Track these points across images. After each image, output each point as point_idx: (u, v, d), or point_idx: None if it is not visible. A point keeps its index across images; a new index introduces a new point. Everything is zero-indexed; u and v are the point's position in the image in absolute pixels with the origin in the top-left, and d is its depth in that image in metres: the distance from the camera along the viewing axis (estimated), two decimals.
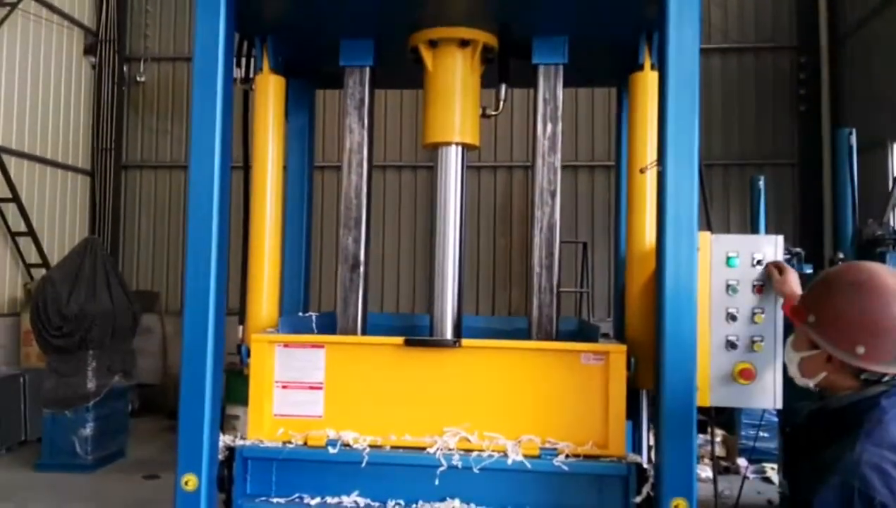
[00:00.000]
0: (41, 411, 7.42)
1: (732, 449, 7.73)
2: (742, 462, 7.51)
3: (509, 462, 2.38)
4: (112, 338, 7.50)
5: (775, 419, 7.21)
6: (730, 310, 2.54)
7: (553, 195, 2.72)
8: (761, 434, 7.29)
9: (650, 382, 2.49)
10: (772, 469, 7.37)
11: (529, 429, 2.46)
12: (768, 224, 7.32)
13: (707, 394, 2.54)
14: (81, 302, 7.25)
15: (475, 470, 2.39)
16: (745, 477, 7.04)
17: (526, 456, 2.39)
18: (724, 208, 10.06)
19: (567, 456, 2.39)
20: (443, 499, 2.44)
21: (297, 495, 2.51)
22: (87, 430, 7.32)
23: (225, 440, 2.49)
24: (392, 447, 2.48)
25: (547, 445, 2.42)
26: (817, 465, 1.70)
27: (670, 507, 2.25)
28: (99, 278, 7.49)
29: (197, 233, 2.39)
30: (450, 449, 2.43)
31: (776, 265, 2.52)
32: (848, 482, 1.61)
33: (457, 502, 2.43)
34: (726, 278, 2.54)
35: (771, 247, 2.56)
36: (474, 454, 2.41)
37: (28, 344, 8.52)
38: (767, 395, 2.56)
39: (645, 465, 2.39)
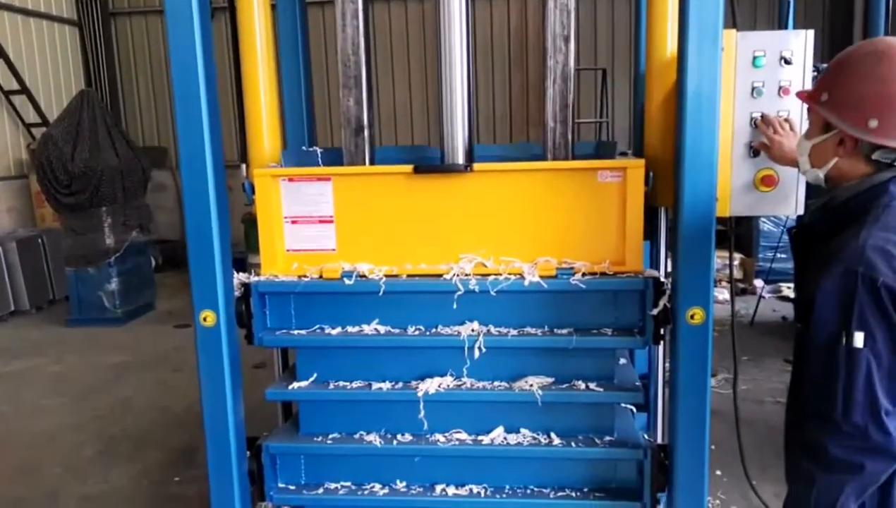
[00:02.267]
0: (64, 270, 7.58)
1: (749, 271, 7.83)
2: (759, 282, 7.63)
3: (526, 283, 2.36)
4: (124, 194, 7.48)
5: None
6: (754, 115, 2.41)
7: (567, 41, 2.47)
8: (779, 255, 7.35)
9: (669, 199, 2.40)
10: (787, 288, 7.49)
11: (545, 252, 2.42)
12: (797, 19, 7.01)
13: (727, 204, 2.47)
14: (86, 158, 7.17)
15: (492, 293, 2.38)
16: (760, 297, 7.20)
17: (542, 277, 2.36)
18: (750, 3, 9.62)
19: (584, 275, 2.36)
20: (461, 323, 2.46)
21: (317, 327, 2.54)
22: (113, 285, 7.50)
23: (240, 277, 2.48)
24: (408, 275, 2.46)
25: (563, 265, 2.39)
26: (823, 260, 1.63)
27: (686, 317, 2.24)
28: (101, 133, 7.37)
29: (181, 76, 2.24)
30: (466, 275, 2.41)
31: (769, 121, 2.37)
32: (851, 268, 1.55)
33: (475, 324, 2.45)
34: (752, 80, 2.38)
35: (800, 42, 2.37)
36: (491, 278, 2.39)
37: (41, 206, 8.56)
38: (789, 202, 2.48)
39: (662, 279, 2.36)
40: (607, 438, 2.50)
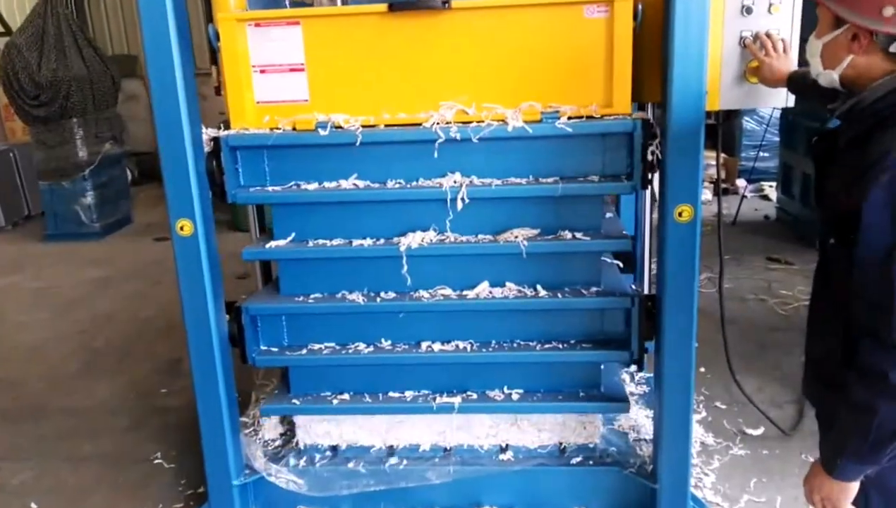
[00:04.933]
0: (38, 184, 7.39)
1: (732, 171, 7.77)
2: (741, 182, 7.59)
3: (509, 129, 2.26)
4: (94, 105, 7.23)
5: (776, 138, 7.16)
6: (745, 3, 2.25)
7: None
8: (761, 154, 7.28)
9: (656, 93, 2.30)
10: (769, 187, 7.47)
11: (530, 96, 2.31)
12: None
13: (717, 98, 2.34)
14: (53, 67, 6.88)
15: (474, 141, 2.28)
16: (743, 196, 7.17)
17: (527, 122, 2.27)
18: None
19: (570, 119, 2.27)
20: (443, 175, 2.37)
21: (292, 183, 2.44)
22: (89, 199, 7.33)
23: (208, 132, 2.36)
24: (386, 126, 2.35)
25: (549, 110, 2.29)
26: (857, 168, 1.47)
27: (675, 214, 2.19)
28: (67, 41, 7.04)
29: None
30: (447, 123, 2.30)
31: (761, 40, 2.22)
32: None
33: (457, 175, 2.36)
34: None
35: None
36: (473, 125, 2.29)
37: (10, 119, 8.27)
38: (779, 93, 2.33)
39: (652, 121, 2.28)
40: (594, 289, 2.46)
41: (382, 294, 2.51)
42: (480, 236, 2.43)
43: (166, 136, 2.26)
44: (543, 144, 2.32)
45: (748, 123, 7.82)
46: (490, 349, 2.50)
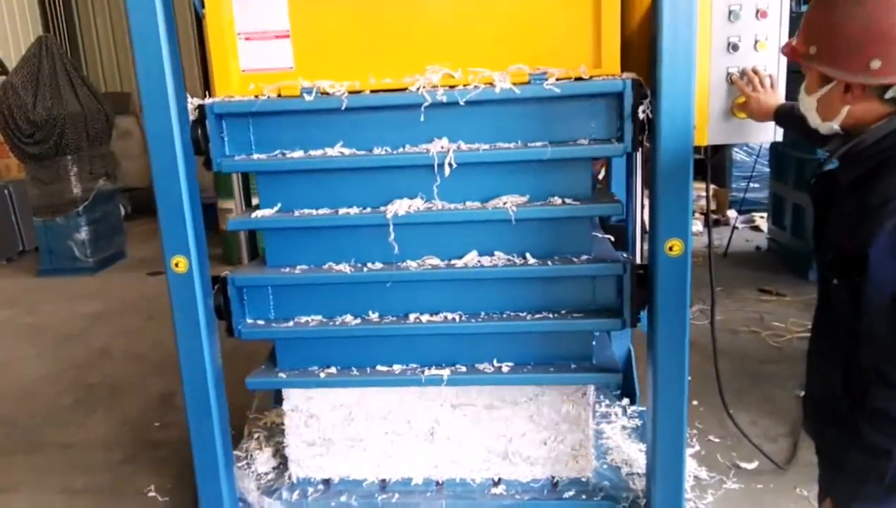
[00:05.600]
0: (32, 220, 7.41)
1: (723, 202, 7.83)
2: (732, 213, 7.64)
3: (497, 91, 2.24)
4: (88, 142, 7.29)
5: (766, 169, 7.23)
6: (730, 71, 2.31)
7: None
8: (752, 185, 7.35)
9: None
10: (760, 218, 7.51)
11: (518, 59, 2.29)
12: None
13: (705, 133, 2.37)
14: (48, 106, 6.96)
15: (461, 104, 2.25)
16: (734, 228, 7.22)
17: (514, 84, 2.25)
18: None
19: (558, 80, 2.25)
20: (430, 141, 2.34)
21: (278, 151, 2.42)
22: (83, 234, 7.33)
23: (193, 100, 2.35)
24: (372, 91, 2.33)
25: (537, 72, 2.27)
26: (859, 211, 1.46)
27: (665, 249, 2.20)
28: (61, 79, 7.13)
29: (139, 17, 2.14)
30: (433, 86, 2.28)
31: (748, 76, 2.26)
32: None
33: (445, 141, 2.33)
34: (728, 4, 2.26)
35: None
36: (459, 87, 2.27)
37: (5, 156, 8.30)
38: (768, 127, 2.36)
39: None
40: (584, 257, 2.42)
41: (369, 264, 2.46)
42: (469, 204, 2.39)
43: (161, 172, 2.28)
44: (532, 107, 2.30)
45: (738, 154, 7.91)
46: (479, 320, 2.45)
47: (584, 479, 2.70)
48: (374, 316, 2.51)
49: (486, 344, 2.52)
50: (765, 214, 7.14)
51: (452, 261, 2.44)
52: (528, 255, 2.42)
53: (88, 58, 10.55)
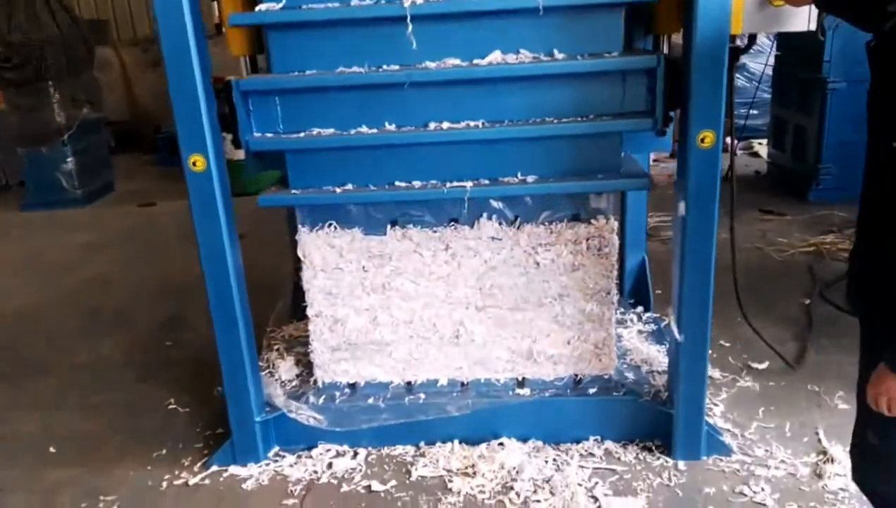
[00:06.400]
0: (16, 152, 7.20)
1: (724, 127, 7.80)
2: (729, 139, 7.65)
3: None
4: (69, 68, 7.06)
5: (767, 95, 7.19)
6: None
7: None
8: (752, 112, 7.32)
9: (674, 24, 2.27)
10: (758, 145, 7.53)
11: None
12: None
13: (740, 21, 2.30)
14: (24, 28, 6.70)
15: None
16: (734, 153, 7.21)
17: None
18: None
19: None
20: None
21: None
22: (70, 165, 7.15)
23: None
24: None
25: None
26: None
27: (697, 140, 2.19)
28: (38, 3, 6.86)
29: None
30: None
31: None
32: None
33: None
34: None
35: None
36: None
37: None
38: (802, 16, 2.32)
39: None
40: (615, 53, 2.32)
41: (385, 67, 2.33)
42: None
43: (176, 73, 2.21)
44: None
45: (738, 80, 7.85)
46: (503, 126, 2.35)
47: (606, 376, 2.74)
48: (391, 127, 2.38)
49: (510, 156, 2.41)
50: (763, 141, 7.15)
51: (474, 62, 2.32)
52: (555, 52, 2.32)
53: None
